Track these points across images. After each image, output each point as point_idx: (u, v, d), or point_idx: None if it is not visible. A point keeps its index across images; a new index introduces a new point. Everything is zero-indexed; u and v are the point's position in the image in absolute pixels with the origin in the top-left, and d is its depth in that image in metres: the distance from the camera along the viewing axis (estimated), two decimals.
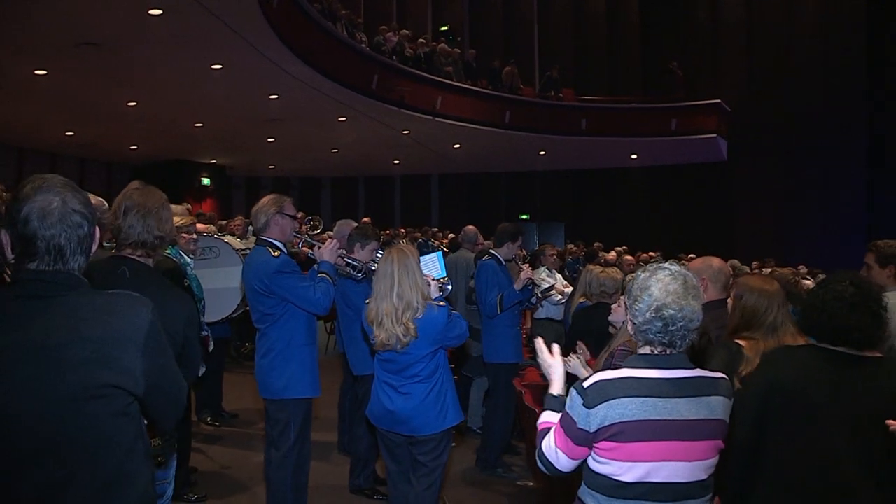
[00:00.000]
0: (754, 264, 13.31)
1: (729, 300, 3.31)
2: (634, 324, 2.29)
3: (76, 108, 14.50)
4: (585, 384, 2.26)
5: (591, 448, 2.26)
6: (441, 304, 3.77)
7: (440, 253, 4.72)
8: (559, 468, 2.33)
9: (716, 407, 2.27)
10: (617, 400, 2.19)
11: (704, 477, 2.28)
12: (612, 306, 4.72)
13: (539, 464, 2.40)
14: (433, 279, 3.89)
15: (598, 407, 2.20)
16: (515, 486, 5.75)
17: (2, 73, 11.79)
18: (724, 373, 2.45)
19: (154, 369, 1.91)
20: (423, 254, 4.22)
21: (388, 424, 3.92)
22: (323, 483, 5.35)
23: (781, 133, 20.83)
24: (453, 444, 5.91)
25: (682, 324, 2.23)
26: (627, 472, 2.21)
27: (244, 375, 8.22)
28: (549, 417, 2.43)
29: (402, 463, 4.04)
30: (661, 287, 2.24)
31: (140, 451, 1.91)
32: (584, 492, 2.34)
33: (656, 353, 2.28)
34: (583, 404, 2.23)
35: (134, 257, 2.83)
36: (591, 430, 2.21)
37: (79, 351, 1.79)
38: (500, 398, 5.95)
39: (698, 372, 2.32)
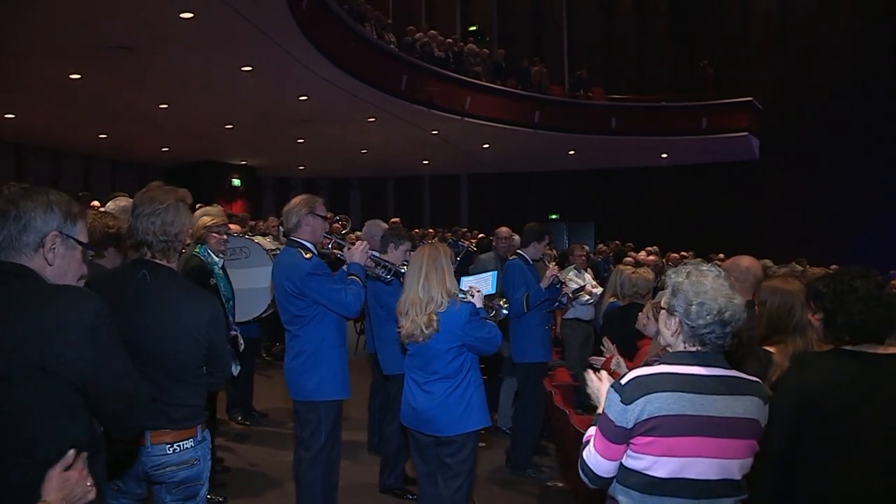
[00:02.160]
0: (792, 263, 13.10)
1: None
2: (692, 327, 2.29)
3: (109, 110, 14.66)
4: (623, 381, 2.28)
5: (627, 445, 2.27)
6: (466, 300, 3.88)
7: (496, 273, 4.74)
8: (599, 473, 2.35)
9: (751, 407, 2.27)
10: (655, 394, 2.22)
11: (738, 477, 2.28)
12: (640, 314, 4.71)
13: (582, 475, 2.42)
14: (478, 291, 4.03)
15: (637, 402, 2.22)
16: (545, 487, 5.74)
17: (38, 77, 12.00)
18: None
19: (99, 362, 1.94)
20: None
21: (414, 423, 4.00)
22: (353, 482, 5.36)
23: (814, 130, 20.44)
24: (483, 445, 5.94)
25: (736, 322, 2.27)
26: (661, 466, 2.22)
27: (274, 375, 8.27)
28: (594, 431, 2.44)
29: (430, 464, 4.08)
30: (716, 288, 2.28)
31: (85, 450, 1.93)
32: (616, 489, 2.34)
33: (703, 350, 2.31)
34: (620, 401, 2.25)
35: (154, 260, 2.81)
36: (629, 426, 2.23)
37: (19, 330, 1.85)
38: (530, 398, 5.94)
39: (734, 372, 2.33)
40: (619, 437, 2.26)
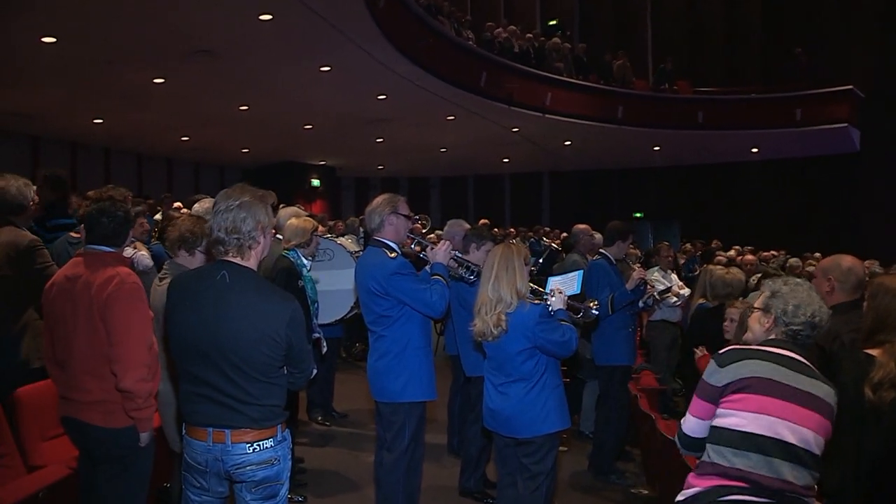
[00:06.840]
0: None
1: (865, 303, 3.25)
2: (787, 323, 2.65)
3: (191, 113, 15.09)
4: (722, 350, 2.68)
5: (717, 405, 2.60)
6: (536, 302, 3.93)
7: (582, 272, 4.61)
8: (689, 433, 2.71)
9: (828, 392, 2.56)
10: (749, 360, 2.58)
11: (817, 451, 2.51)
12: (725, 324, 4.88)
13: (677, 442, 2.82)
14: (560, 292, 4.02)
15: (730, 366, 2.59)
16: (629, 493, 5.61)
17: (124, 83, 12.38)
18: (853, 383, 2.87)
19: None
20: (534, 253, 4.14)
21: (492, 424, 4.06)
22: (432, 485, 5.30)
23: None
24: (565, 449, 5.83)
25: (822, 327, 2.68)
26: (752, 422, 2.50)
27: (354, 375, 8.29)
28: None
29: (509, 465, 4.12)
30: (811, 296, 2.67)
31: None
32: (709, 450, 2.61)
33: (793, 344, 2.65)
34: (717, 364, 2.63)
35: (235, 261, 2.81)
36: (720, 385, 2.59)
37: None
38: (613, 402, 5.82)
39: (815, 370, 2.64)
40: (710, 394, 2.63)
